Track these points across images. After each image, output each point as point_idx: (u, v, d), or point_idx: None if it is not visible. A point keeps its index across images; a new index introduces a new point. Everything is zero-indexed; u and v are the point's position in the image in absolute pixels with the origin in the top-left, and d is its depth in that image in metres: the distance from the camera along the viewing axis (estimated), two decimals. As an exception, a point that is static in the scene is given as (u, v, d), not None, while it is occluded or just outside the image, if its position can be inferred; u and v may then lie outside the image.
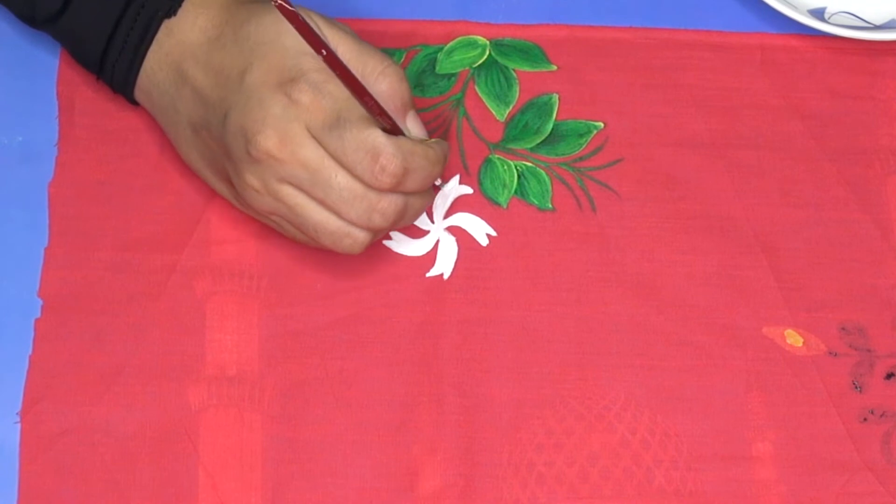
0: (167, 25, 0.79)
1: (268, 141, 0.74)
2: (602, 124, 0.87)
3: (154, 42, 0.79)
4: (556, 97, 0.87)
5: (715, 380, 0.81)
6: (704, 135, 0.87)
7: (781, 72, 0.89)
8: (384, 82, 0.77)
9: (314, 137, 0.75)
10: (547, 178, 0.85)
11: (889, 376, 0.82)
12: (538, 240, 0.84)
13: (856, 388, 0.82)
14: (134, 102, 0.82)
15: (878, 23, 0.90)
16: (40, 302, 0.80)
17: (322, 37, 0.76)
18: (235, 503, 0.77)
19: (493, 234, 0.84)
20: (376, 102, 0.76)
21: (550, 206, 0.85)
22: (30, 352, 0.79)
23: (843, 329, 0.83)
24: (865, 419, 0.81)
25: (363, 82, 0.76)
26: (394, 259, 0.83)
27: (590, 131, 0.86)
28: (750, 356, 0.82)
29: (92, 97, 0.85)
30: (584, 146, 0.86)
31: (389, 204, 0.76)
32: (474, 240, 0.84)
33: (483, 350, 0.81)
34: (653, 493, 0.79)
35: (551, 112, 0.87)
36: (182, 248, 0.82)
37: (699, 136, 0.87)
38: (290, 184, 0.76)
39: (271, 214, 0.78)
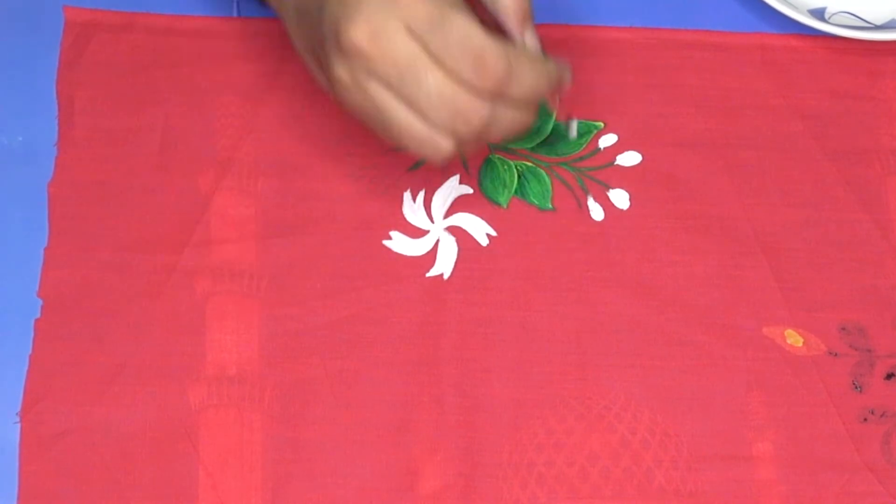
0: None
1: (359, 34, 0.72)
2: (602, 124, 0.87)
3: None
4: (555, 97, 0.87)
5: (715, 380, 0.81)
6: (704, 135, 0.87)
7: (781, 72, 0.89)
8: None
9: (411, 34, 0.72)
10: (547, 178, 0.85)
11: (889, 376, 0.82)
12: (538, 240, 0.84)
13: (856, 388, 0.82)
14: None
15: (878, 23, 0.90)
16: (40, 302, 0.80)
17: None
18: (235, 503, 0.77)
19: (494, 234, 0.84)
20: (488, 13, 0.74)
21: (551, 206, 0.85)
22: (30, 352, 0.79)
23: (843, 329, 0.83)
24: (865, 419, 0.81)
25: None
26: (394, 259, 0.83)
27: (590, 131, 0.86)
28: (750, 356, 0.82)
29: (92, 97, 0.85)
30: (584, 146, 0.86)
31: (475, 109, 0.73)
32: (474, 240, 0.84)
33: (483, 350, 0.81)
34: (653, 492, 0.79)
35: (551, 112, 0.87)
36: (182, 248, 0.82)
37: (699, 136, 0.87)
38: (379, 81, 0.73)
39: (358, 112, 0.75)
